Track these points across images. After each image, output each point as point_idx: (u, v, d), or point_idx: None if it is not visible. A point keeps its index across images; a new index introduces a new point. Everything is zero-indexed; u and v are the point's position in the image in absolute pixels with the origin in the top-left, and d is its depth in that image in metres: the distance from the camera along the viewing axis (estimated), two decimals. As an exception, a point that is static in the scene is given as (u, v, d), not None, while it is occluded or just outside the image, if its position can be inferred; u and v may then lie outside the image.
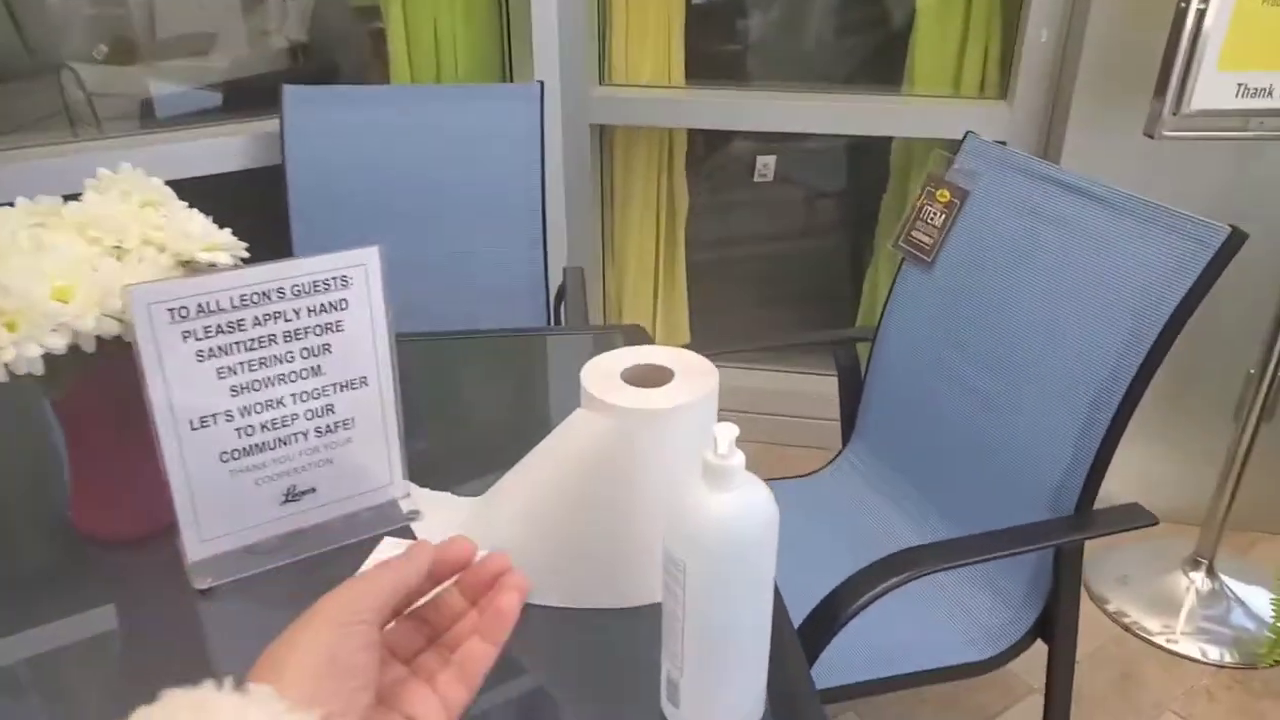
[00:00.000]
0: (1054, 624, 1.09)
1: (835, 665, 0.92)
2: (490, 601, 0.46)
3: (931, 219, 1.27)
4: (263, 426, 0.76)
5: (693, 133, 2.16)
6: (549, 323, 1.55)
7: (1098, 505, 1.05)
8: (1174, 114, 1.36)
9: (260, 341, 0.74)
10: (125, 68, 2.07)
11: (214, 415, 0.73)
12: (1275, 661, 1.60)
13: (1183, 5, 1.31)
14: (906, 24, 1.97)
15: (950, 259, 1.25)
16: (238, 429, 0.75)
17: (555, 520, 0.72)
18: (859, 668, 1.02)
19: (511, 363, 1.20)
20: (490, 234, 1.54)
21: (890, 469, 1.33)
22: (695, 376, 0.70)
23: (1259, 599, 1.73)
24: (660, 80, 2.05)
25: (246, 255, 0.80)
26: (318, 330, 0.76)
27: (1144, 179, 1.23)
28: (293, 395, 0.76)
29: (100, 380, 0.76)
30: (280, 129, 1.52)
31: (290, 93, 1.52)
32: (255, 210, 1.54)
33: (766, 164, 2.33)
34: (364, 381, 0.80)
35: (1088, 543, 1.08)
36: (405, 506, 0.84)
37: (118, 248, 0.75)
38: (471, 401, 1.10)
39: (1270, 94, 1.37)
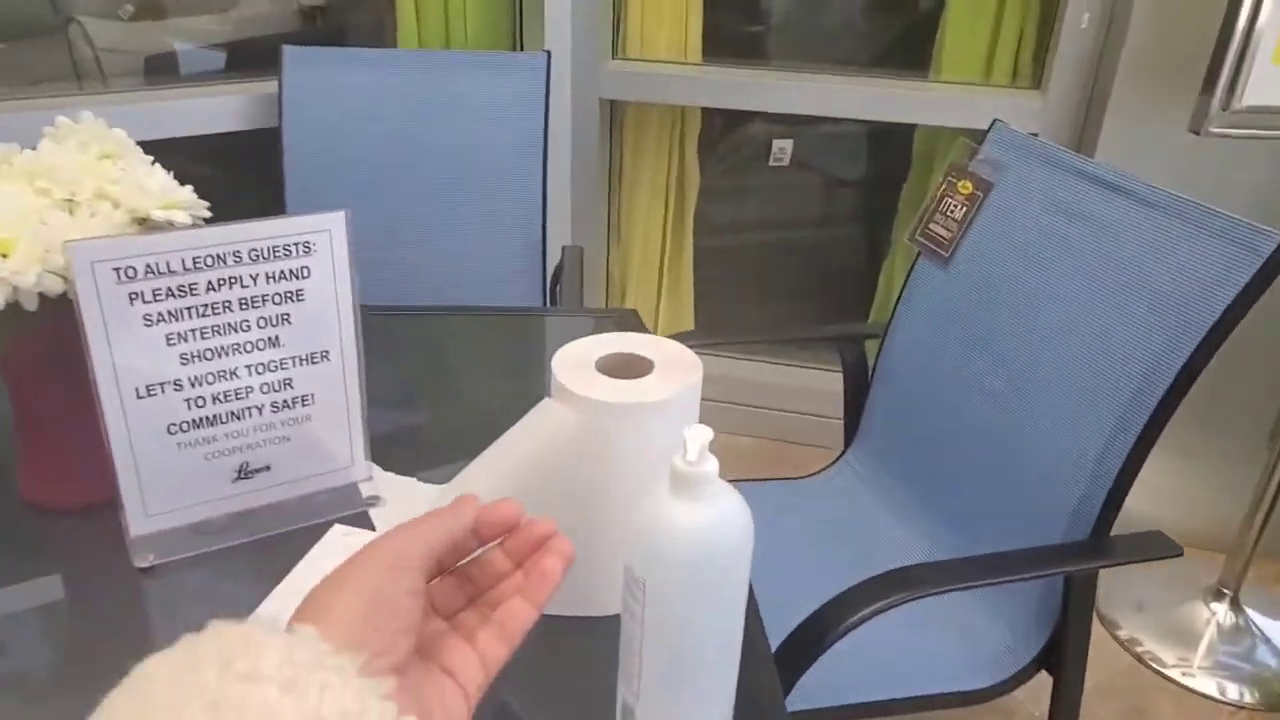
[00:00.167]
0: (1062, 653, 1.02)
1: (820, 687, 0.87)
2: (535, 564, 0.46)
3: (951, 212, 1.20)
4: (214, 398, 0.71)
5: (707, 112, 2.09)
6: (544, 302, 1.50)
7: (1117, 525, 0.98)
8: (1223, 110, 1.28)
9: (214, 308, 0.69)
10: (135, 23, 2.03)
11: (161, 384, 0.69)
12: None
13: (1238, -7, 1.23)
14: (936, 5, 1.89)
15: (969, 255, 1.18)
16: (187, 399, 0.70)
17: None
18: (846, 690, 0.96)
19: (495, 342, 1.15)
20: (487, 207, 1.48)
21: (894, 475, 1.27)
22: (677, 369, 0.64)
23: (1287, 636, 1.64)
24: (676, 56, 1.99)
25: (208, 215, 0.75)
26: (276, 299, 0.71)
27: (1182, 177, 1.16)
28: (248, 367, 0.72)
29: (45, 339, 0.71)
30: (279, 90, 1.47)
31: (290, 53, 1.47)
32: (261, 173, 1.49)
33: (783, 148, 2.25)
34: (325, 356, 0.75)
35: (1099, 565, 1.02)
36: (366, 490, 0.79)
37: (69, 201, 0.70)
38: (447, 380, 1.05)
39: (1326, 91, 1.29)
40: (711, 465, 0.50)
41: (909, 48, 2.05)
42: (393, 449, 0.83)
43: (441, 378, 1.06)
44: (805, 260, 2.54)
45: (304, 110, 1.47)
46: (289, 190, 1.47)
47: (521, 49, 1.90)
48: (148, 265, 0.65)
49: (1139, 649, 1.63)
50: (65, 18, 1.94)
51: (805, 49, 2.31)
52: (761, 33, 2.31)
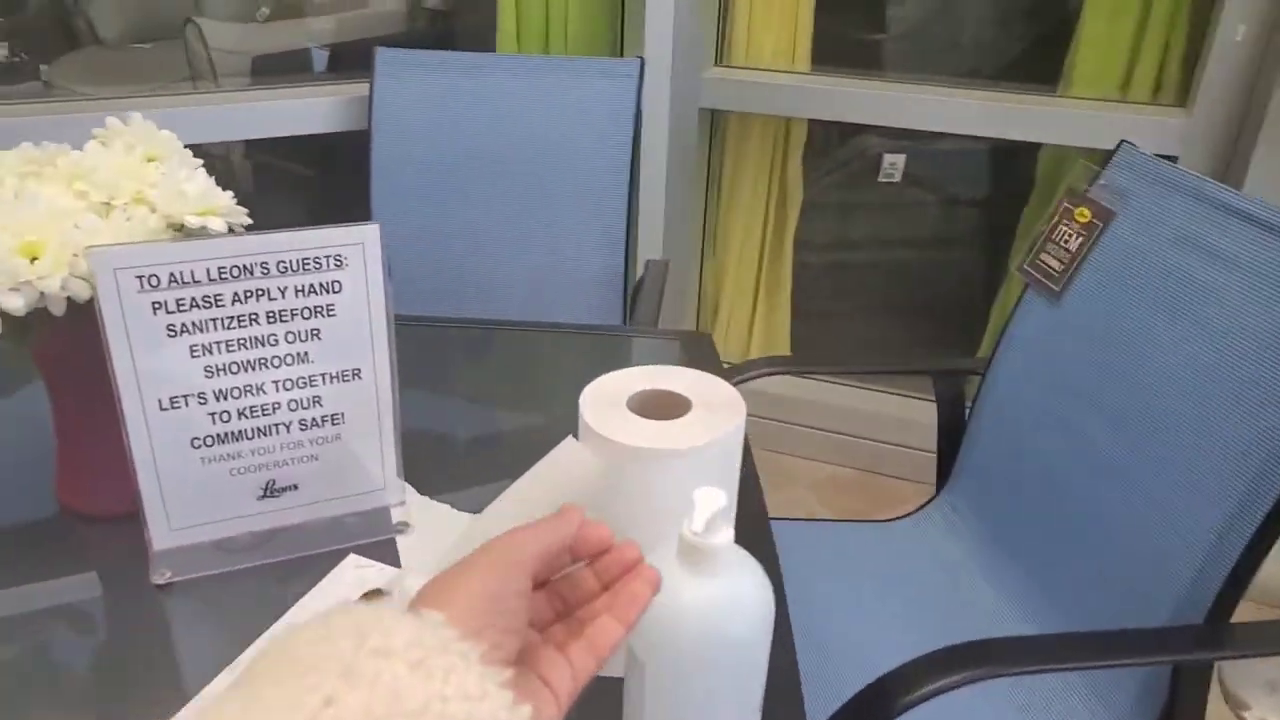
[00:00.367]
0: (1168, 746, 0.89)
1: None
2: (624, 585, 0.46)
3: (1065, 242, 1.08)
4: (240, 413, 0.68)
5: (814, 124, 1.99)
6: (624, 317, 1.44)
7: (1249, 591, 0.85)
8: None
9: (240, 321, 0.66)
10: (248, 25, 2.10)
11: (185, 396, 0.67)
12: None
13: None
14: (1070, 14, 1.73)
15: (1083, 292, 1.06)
16: (211, 413, 0.68)
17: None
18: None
19: (550, 360, 1.10)
20: (572, 217, 1.44)
21: (986, 529, 1.15)
22: (716, 410, 0.57)
23: None
24: (783, 64, 1.90)
25: (248, 223, 0.73)
26: (306, 313, 0.68)
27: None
28: (275, 383, 0.69)
29: (80, 345, 0.70)
30: (370, 92, 1.47)
31: (382, 55, 1.47)
32: (359, 174, 1.49)
33: (895, 163, 2.13)
34: (357, 374, 0.71)
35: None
36: (397, 515, 0.76)
37: (107, 204, 0.69)
38: (498, 397, 1.01)
39: None
40: (724, 535, 0.43)
41: (1038, 60, 1.89)
42: (431, 469, 0.80)
43: (489, 394, 1.02)
44: (913, 283, 2.40)
45: (393, 112, 1.46)
46: (374, 194, 1.46)
47: (622, 54, 1.86)
48: (171, 274, 0.63)
49: (1270, 735, 1.45)
50: (184, 20, 2.03)
51: (925, 61, 2.18)
52: (880, 42, 2.20)
